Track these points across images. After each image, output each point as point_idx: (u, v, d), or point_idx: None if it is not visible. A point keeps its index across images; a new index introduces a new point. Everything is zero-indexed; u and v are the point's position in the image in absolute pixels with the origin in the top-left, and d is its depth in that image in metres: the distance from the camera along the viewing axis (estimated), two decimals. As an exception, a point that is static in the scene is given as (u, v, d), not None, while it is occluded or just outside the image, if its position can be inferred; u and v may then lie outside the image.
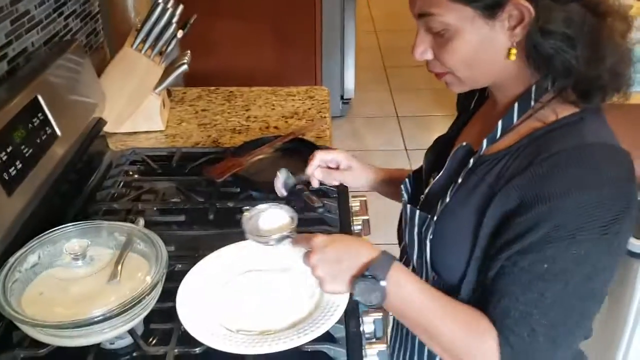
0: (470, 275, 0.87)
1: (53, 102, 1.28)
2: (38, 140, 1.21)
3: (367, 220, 1.44)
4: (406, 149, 3.73)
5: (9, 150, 1.10)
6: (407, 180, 1.08)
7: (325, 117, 1.78)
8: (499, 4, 0.79)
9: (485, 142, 0.88)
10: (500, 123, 0.87)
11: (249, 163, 1.46)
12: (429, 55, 0.89)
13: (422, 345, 1.01)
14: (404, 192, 1.06)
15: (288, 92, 1.96)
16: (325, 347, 0.99)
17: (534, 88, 0.85)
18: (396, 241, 1.19)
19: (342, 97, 4.00)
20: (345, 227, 1.31)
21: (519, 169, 0.82)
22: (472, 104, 1.06)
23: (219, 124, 1.77)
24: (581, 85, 0.81)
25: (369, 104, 4.29)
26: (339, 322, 1.00)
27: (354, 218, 1.40)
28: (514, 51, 0.83)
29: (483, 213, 0.84)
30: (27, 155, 1.15)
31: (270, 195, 1.37)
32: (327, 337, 1.00)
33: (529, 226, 0.78)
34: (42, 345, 0.97)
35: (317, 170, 1.20)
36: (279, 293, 1.07)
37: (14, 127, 1.14)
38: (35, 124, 1.21)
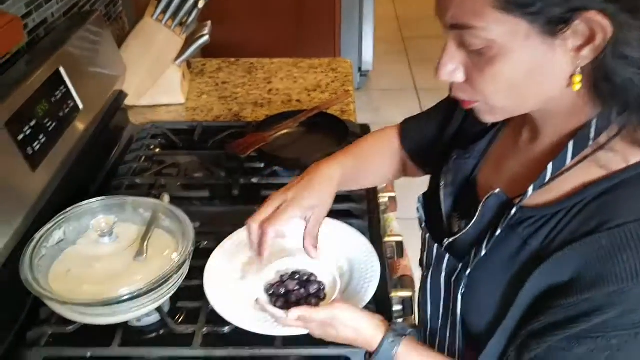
0: (498, 341, 0.75)
1: (75, 74, 1.26)
2: (61, 114, 1.18)
3: (394, 197, 1.41)
4: (425, 122, 3.67)
5: (32, 124, 1.08)
6: (420, 206, 0.93)
7: (349, 90, 1.74)
8: (565, 19, 0.61)
9: (530, 190, 0.71)
10: (550, 166, 0.70)
11: (273, 138, 1.43)
12: (460, 77, 0.70)
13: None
14: (423, 222, 0.92)
15: (310, 64, 1.92)
16: (348, 352, 0.96)
17: (594, 123, 0.68)
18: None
19: (360, 70, 3.93)
20: (371, 204, 1.28)
21: (577, 234, 0.67)
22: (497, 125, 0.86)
23: (240, 97, 1.74)
24: None
25: (387, 77, 4.22)
26: (367, 306, 0.97)
27: (380, 195, 1.37)
28: (578, 79, 0.65)
29: (523, 279, 0.71)
30: (50, 129, 1.13)
31: (293, 172, 1.35)
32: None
33: (589, 309, 0.65)
34: (70, 322, 0.96)
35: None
36: (306, 269, 1.05)
37: (37, 100, 1.11)
38: (58, 97, 1.19)
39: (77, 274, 0.97)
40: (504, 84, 0.68)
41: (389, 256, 1.27)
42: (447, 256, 0.83)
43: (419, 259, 1.02)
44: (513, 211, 0.73)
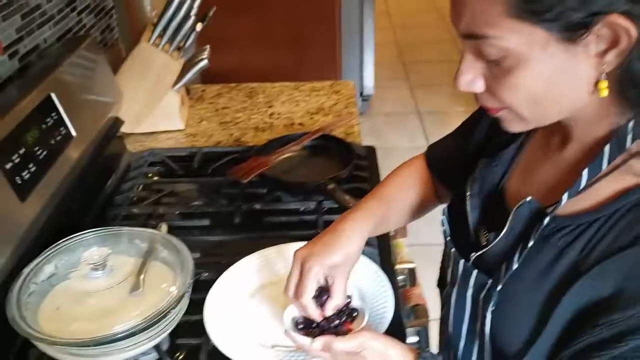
0: (533, 356, 0.70)
1: (67, 100, 1.21)
2: (52, 142, 1.13)
3: (404, 221, 1.34)
4: (429, 146, 3.63)
5: (21, 152, 1.02)
6: (445, 219, 0.87)
7: (353, 111, 1.68)
8: (585, 24, 0.57)
9: (565, 197, 0.67)
10: (586, 173, 0.66)
11: (275, 162, 1.37)
12: (479, 87, 0.67)
13: None
14: (448, 236, 0.85)
15: (312, 87, 1.87)
16: None
17: (631, 128, 0.64)
18: (432, 241, 1.07)
19: (361, 94, 3.90)
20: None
21: (616, 246, 0.63)
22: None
23: (241, 121, 1.68)
24: None
25: (388, 101, 4.19)
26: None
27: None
28: (604, 85, 0.61)
29: (561, 293, 0.66)
30: (41, 157, 1.07)
31: (298, 196, 1.29)
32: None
33: (635, 326, 0.61)
34: (61, 364, 0.89)
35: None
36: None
37: (27, 127, 1.06)
38: (49, 124, 1.13)
39: (67, 311, 0.91)
40: (525, 95, 0.64)
41: (400, 284, 1.21)
42: (474, 272, 0.76)
43: (437, 277, 0.97)
44: (546, 220, 0.68)
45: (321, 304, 0.86)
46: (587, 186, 0.66)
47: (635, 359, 0.61)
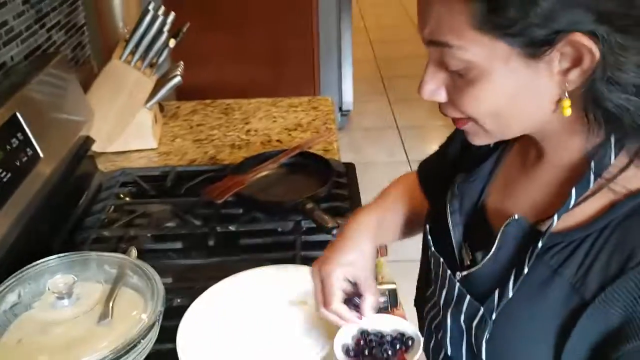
0: None
1: (34, 120, 1.16)
2: (18, 163, 1.08)
3: (383, 240, 1.31)
4: (408, 160, 3.61)
5: (-17, 175, 0.97)
6: (430, 237, 0.84)
7: (331, 127, 1.66)
8: (549, 41, 0.56)
9: (556, 218, 0.65)
10: (574, 192, 0.64)
11: (252, 181, 1.33)
12: (442, 97, 0.67)
13: None
14: (436, 254, 0.81)
15: (290, 103, 1.84)
16: None
17: (612, 144, 0.63)
18: (411, 257, 1.03)
19: (340, 109, 3.89)
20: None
21: (613, 268, 0.61)
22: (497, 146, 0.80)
23: (216, 139, 1.64)
24: None
25: (368, 116, 4.18)
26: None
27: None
28: (567, 104, 0.60)
29: (570, 323, 0.64)
30: (5, 180, 1.03)
31: (275, 217, 1.25)
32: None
33: None
34: (24, 400, 0.84)
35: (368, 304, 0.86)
36: (294, 331, 0.94)
37: (-10, 148, 1.01)
38: (15, 145, 1.08)
39: (30, 344, 0.86)
40: (486, 107, 0.64)
41: (382, 306, 1.17)
42: (467, 297, 0.73)
43: (414, 297, 0.94)
44: (540, 243, 0.65)
45: (356, 307, 0.84)
46: (576, 205, 0.65)
47: None
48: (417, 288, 0.99)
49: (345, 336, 0.81)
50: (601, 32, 0.55)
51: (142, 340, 0.84)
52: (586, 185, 0.64)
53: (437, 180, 0.91)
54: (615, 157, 0.63)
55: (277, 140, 1.63)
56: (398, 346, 0.79)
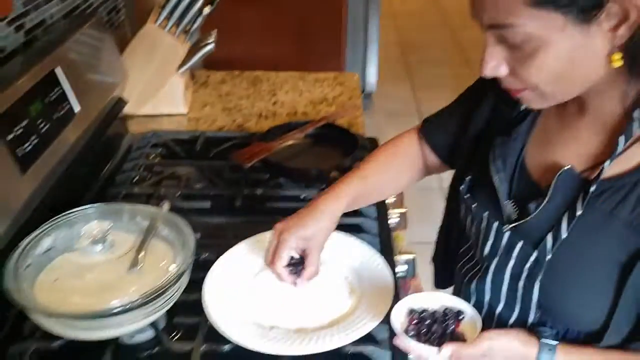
0: (617, 326, 0.74)
1: (72, 76, 1.19)
2: (55, 116, 1.12)
3: (404, 213, 1.34)
4: (429, 146, 3.62)
5: (24, 124, 1.01)
6: (466, 193, 0.89)
7: (356, 103, 1.68)
8: (598, 4, 0.63)
9: (607, 163, 0.72)
10: (622, 138, 0.71)
11: (278, 149, 1.36)
12: (503, 71, 0.72)
13: None
14: (480, 209, 0.87)
15: (316, 78, 1.86)
16: (368, 349, 0.89)
17: None
18: (432, 239, 1.08)
19: (363, 91, 3.90)
20: (382, 220, 1.20)
21: None
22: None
23: (244, 108, 1.67)
24: None
25: (390, 99, 4.18)
26: (382, 322, 0.90)
27: (391, 211, 1.30)
28: (617, 57, 0.66)
29: (631, 260, 0.71)
30: (42, 131, 1.06)
31: (299, 184, 1.28)
32: (369, 338, 0.90)
33: None
34: (56, 337, 0.88)
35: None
36: (317, 287, 0.97)
37: (30, 100, 1.05)
38: (53, 98, 1.12)
39: (65, 285, 0.90)
40: (548, 74, 0.69)
41: (400, 274, 1.20)
42: (519, 243, 0.80)
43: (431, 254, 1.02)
44: (593, 187, 0.72)
45: (297, 273, 0.95)
46: (623, 150, 0.71)
47: None
48: (437, 245, 1.04)
49: (398, 317, 0.82)
50: None
51: (170, 288, 0.87)
52: (630, 132, 0.71)
53: (460, 145, 0.97)
54: None
55: (303, 113, 1.65)
56: (452, 320, 0.81)
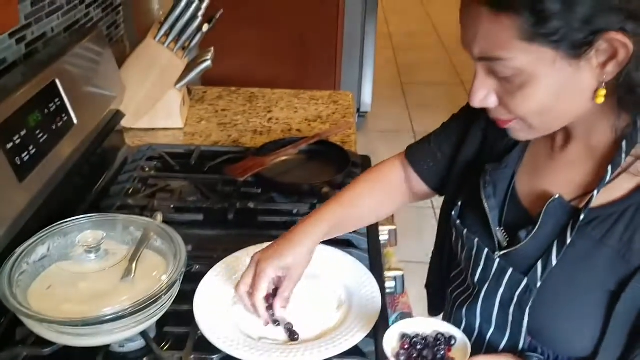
0: (607, 352, 0.75)
1: (71, 88, 1.22)
2: (54, 127, 1.14)
3: (394, 230, 1.36)
4: (422, 165, 3.65)
5: (23, 133, 1.03)
6: (457, 219, 0.90)
7: (350, 121, 1.71)
8: (588, 41, 0.64)
9: (596, 192, 0.73)
10: (610, 167, 0.73)
11: (272, 164, 1.39)
12: (492, 103, 0.74)
13: None
14: (471, 236, 0.87)
15: (311, 96, 1.89)
16: None
17: (639, 126, 0.72)
18: (421, 259, 1.10)
19: (358, 110, 3.94)
20: (372, 236, 1.22)
21: None
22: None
23: (239, 124, 1.70)
24: None
25: (385, 118, 4.23)
26: (368, 335, 0.92)
27: (381, 228, 1.32)
28: (602, 93, 0.68)
29: (619, 288, 0.72)
30: (41, 140, 1.08)
31: (291, 198, 1.30)
32: (356, 351, 0.91)
33: None
34: (47, 344, 0.89)
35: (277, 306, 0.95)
36: (305, 300, 0.99)
37: (30, 110, 1.07)
38: (52, 109, 1.14)
39: (58, 292, 0.91)
40: (536, 106, 0.71)
41: (389, 291, 1.22)
42: (509, 270, 0.81)
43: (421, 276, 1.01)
44: (582, 215, 0.74)
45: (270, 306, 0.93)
46: (611, 180, 0.73)
47: None
48: (430, 271, 1.06)
49: (390, 342, 0.82)
50: (631, 28, 0.63)
51: (162, 297, 0.88)
52: (619, 162, 0.73)
53: (449, 173, 0.98)
54: None
55: (297, 130, 1.68)
56: (443, 345, 0.81)
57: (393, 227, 1.36)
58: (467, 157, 0.94)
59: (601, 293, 0.74)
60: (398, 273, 1.25)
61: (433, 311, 1.10)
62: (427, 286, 1.10)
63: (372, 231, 1.24)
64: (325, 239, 0.99)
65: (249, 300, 0.93)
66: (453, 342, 0.81)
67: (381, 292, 1.00)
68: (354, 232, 1.19)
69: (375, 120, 4.17)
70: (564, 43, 0.64)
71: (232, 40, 2.79)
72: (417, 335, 0.83)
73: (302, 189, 1.30)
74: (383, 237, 1.32)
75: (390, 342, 0.82)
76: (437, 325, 0.84)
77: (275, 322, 0.94)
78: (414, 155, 1.05)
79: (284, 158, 1.43)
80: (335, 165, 1.41)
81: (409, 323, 0.85)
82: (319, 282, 1.03)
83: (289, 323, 0.94)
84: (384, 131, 4.11)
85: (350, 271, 1.05)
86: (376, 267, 1.12)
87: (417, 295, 1.12)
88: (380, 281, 1.07)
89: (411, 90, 4.77)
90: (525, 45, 0.65)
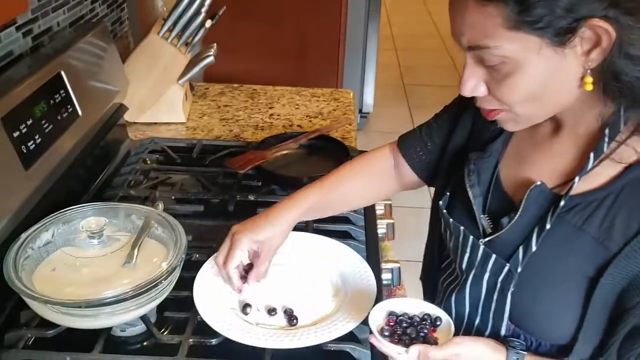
0: (586, 339, 0.77)
1: (76, 80, 1.24)
2: (59, 117, 1.16)
3: (392, 224, 1.38)
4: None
5: (29, 123, 1.05)
6: (444, 209, 0.92)
7: (351, 117, 1.73)
8: (571, 28, 0.66)
9: (577, 179, 0.75)
10: (592, 155, 0.74)
11: (272, 157, 1.41)
12: (482, 91, 0.76)
13: None
14: (456, 224, 0.89)
15: (312, 93, 1.92)
16: (348, 347, 0.93)
17: (622, 114, 0.73)
18: (420, 258, 1.12)
19: (360, 111, 3.96)
20: (370, 228, 1.25)
21: (633, 224, 0.72)
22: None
23: (241, 119, 1.72)
24: None
25: (386, 119, 4.25)
26: (363, 322, 0.94)
27: (379, 221, 1.34)
28: (589, 80, 0.69)
29: (597, 274, 0.74)
30: (46, 130, 1.11)
31: (292, 191, 1.32)
32: (351, 337, 0.94)
33: None
34: (51, 326, 0.92)
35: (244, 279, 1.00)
36: (301, 289, 1.02)
37: (36, 100, 1.09)
38: (57, 100, 1.17)
39: (61, 276, 0.94)
40: (523, 94, 0.72)
41: (385, 282, 1.24)
42: (493, 256, 0.82)
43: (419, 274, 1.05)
44: (562, 202, 0.75)
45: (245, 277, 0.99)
46: (593, 167, 0.74)
47: None
48: (424, 264, 1.08)
49: (377, 317, 0.85)
50: (613, 15, 0.65)
51: (163, 281, 0.91)
52: (601, 149, 0.74)
53: (438, 162, 1.00)
54: (623, 126, 0.73)
55: (298, 125, 1.70)
56: (428, 325, 0.84)
57: (391, 221, 1.38)
58: (456, 147, 0.96)
59: (580, 279, 0.75)
60: (395, 265, 1.27)
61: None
62: (421, 278, 1.12)
63: (369, 223, 1.26)
64: (304, 219, 1.05)
65: (223, 270, 0.98)
66: (439, 322, 0.84)
67: (377, 282, 1.02)
68: (352, 223, 1.22)
69: (377, 120, 4.20)
70: (548, 30, 0.66)
71: (235, 38, 2.83)
72: (404, 314, 0.85)
73: (302, 182, 1.31)
74: (381, 230, 1.34)
75: (377, 317, 0.85)
76: (425, 307, 0.86)
77: (247, 305, 0.96)
78: (405, 143, 1.07)
79: (284, 152, 1.45)
80: (335, 159, 1.42)
81: (398, 302, 0.87)
82: (317, 271, 1.05)
83: (289, 308, 0.96)
84: (385, 132, 4.13)
85: (347, 261, 1.07)
86: (373, 258, 1.14)
87: (416, 294, 1.14)
88: (377, 272, 1.09)
89: (413, 91, 4.79)
90: (511, 33, 0.67)
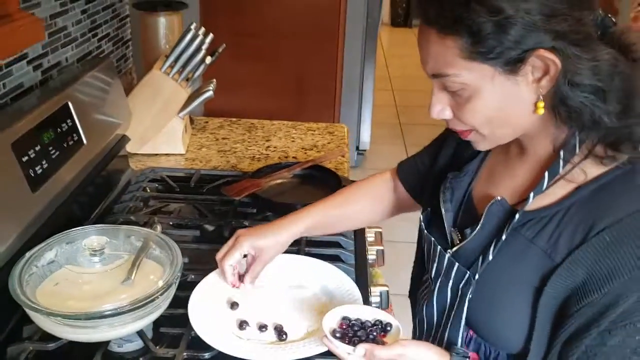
0: (538, 348, 0.80)
1: (82, 111, 1.32)
2: (65, 145, 1.23)
3: (382, 250, 1.43)
4: (418, 202, 3.72)
5: (37, 149, 1.12)
6: (423, 224, 1.00)
7: (344, 150, 1.79)
8: (521, 58, 0.73)
9: (532, 196, 0.81)
10: (547, 174, 0.80)
11: (267, 186, 1.47)
12: (448, 115, 0.83)
13: None
14: (429, 235, 0.96)
15: (308, 127, 1.99)
16: None
17: (576, 137, 0.79)
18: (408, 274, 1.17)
19: (357, 148, 4.04)
20: (360, 256, 1.30)
21: (576, 238, 0.77)
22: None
23: (238, 151, 1.79)
24: (610, 137, 0.77)
25: (383, 157, 4.32)
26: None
27: (369, 247, 1.39)
28: (541, 104, 0.76)
29: (542, 283, 0.78)
30: (53, 156, 1.17)
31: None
32: (338, 352, 0.98)
33: (611, 301, 0.73)
34: (52, 340, 0.96)
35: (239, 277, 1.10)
36: (291, 306, 1.07)
37: (44, 128, 1.16)
38: (64, 129, 1.24)
39: (63, 291, 0.99)
40: (483, 118, 0.80)
41: (374, 305, 1.28)
42: (456, 265, 0.89)
43: (408, 290, 1.10)
44: (517, 216, 0.81)
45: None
46: (548, 186, 0.80)
47: (618, 329, 0.73)
48: (412, 279, 1.13)
49: (331, 321, 0.92)
50: (559, 46, 0.72)
51: (159, 297, 0.96)
52: (557, 169, 0.80)
53: (425, 181, 1.08)
54: (578, 149, 0.79)
55: (294, 157, 1.77)
56: (377, 330, 0.89)
57: (381, 248, 1.44)
58: (441, 167, 1.04)
59: (528, 289, 0.80)
60: (383, 289, 1.32)
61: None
62: (409, 295, 1.17)
63: (359, 248, 1.31)
64: (307, 235, 1.14)
65: (220, 265, 1.06)
66: (389, 328, 0.89)
67: (362, 300, 1.07)
68: (343, 248, 1.28)
69: (374, 158, 4.28)
70: (499, 60, 0.73)
71: (235, 74, 2.91)
72: (357, 319, 0.91)
73: (296, 209, 1.36)
74: (371, 256, 1.39)
75: (330, 321, 0.91)
76: (378, 314, 0.92)
77: (243, 322, 1.01)
78: (402, 167, 1.18)
79: (279, 181, 1.52)
80: (328, 188, 1.48)
81: (353, 309, 0.93)
82: (305, 289, 1.11)
83: (279, 324, 1.01)
84: (382, 169, 4.16)
85: (334, 279, 1.12)
86: (361, 280, 1.19)
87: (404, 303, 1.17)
88: (365, 293, 1.14)
89: (410, 130, 4.88)
90: (468, 63, 0.75)
